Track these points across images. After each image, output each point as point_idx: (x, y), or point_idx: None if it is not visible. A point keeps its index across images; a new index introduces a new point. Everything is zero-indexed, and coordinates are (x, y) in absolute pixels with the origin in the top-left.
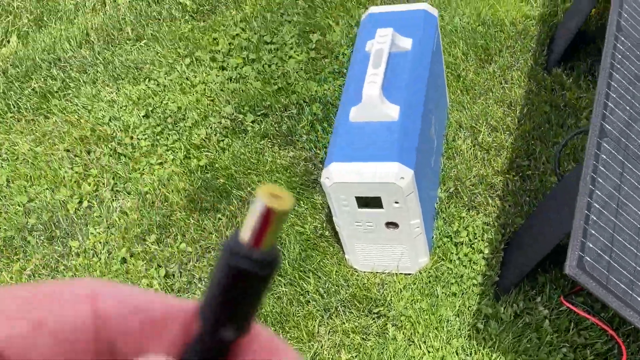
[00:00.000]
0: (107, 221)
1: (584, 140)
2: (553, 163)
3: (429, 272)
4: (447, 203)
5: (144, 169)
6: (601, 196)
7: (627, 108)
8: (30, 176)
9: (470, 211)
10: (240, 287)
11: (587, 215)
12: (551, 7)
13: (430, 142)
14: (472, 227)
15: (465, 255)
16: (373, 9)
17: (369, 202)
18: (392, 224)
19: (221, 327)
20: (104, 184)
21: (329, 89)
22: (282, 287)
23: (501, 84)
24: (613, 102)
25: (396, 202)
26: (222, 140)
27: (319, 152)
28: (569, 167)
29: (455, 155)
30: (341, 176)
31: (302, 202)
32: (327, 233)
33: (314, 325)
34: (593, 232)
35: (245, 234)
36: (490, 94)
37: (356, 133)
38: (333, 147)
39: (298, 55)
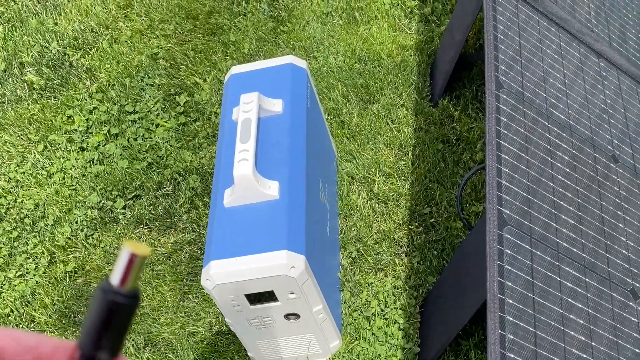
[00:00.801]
0: None
1: (483, 175)
2: (456, 206)
3: (343, 357)
4: (351, 270)
5: (2, 287)
6: (512, 256)
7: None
8: None
9: (378, 274)
10: (112, 317)
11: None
12: (426, 33)
13: (322, 208)
14: (382, 294)
15: (380, 328)
16: (235, 69)
17: (261, 297)
18: (292, 315)
19: (97, 351)
20: None
21: (205, 156)
22: None
23: (388, 124)
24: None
25: (291, 293)
26: (91, 236)
27: (203, 232)
28: (473, 208)
29: (352, 212)
30: (224, 276)
31: (191, 296)
32: (224, 328)
33: None
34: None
35: (114, 277)
36: (379, 137)
37: (234, 220)
38: (210, 241)
39: (166, 122)
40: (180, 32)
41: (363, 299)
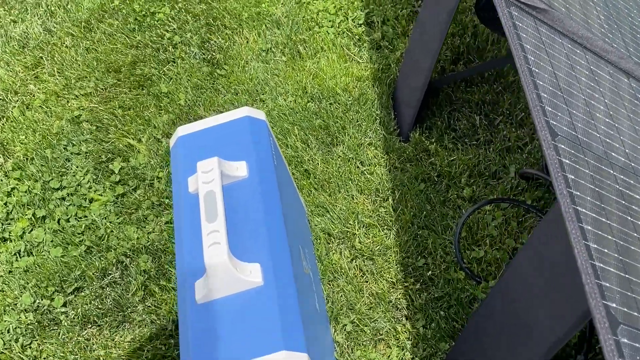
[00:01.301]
0: None
1: (479, 215)
2: (454, 254)
3: None
4: (348, 346)
5: None
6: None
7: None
8: None
9: (378, 346)
10: None
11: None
12: (380, 60)
13: (308, 281)
14: None
15: None
16: (182, 130)
17: None
18: None
19: None
20: None
21: (153, 230)
22: None
23: (358, 167)
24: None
25: None
26: (29, 346)
27: (164, 323)
28: (473, 254)
29: (336, 275)
30: None
31: None
32: None
33: None
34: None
35: None
36: (350, 183)
37: (212, 319)
38: (186, 350)
39: (101, 196)
40: (102, 89)
41: None
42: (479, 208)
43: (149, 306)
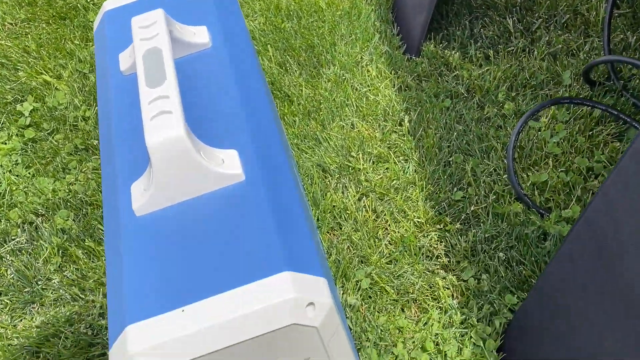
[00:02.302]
0: None
1: (532, 132)
2: (505, 182)
3: None
4: (366, 310)
5: None
6: None
7: None
8: None
9: (410, 309)
10: None
11: None
12: None
13: (307, 208)
14: (429, 341)
15: None
16: (109, 4)
17: None
18: None
19: None
20: None
21: (78, 180)
22: None
23: (357, 89)
24: None
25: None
26: None
27: (92, 298)
28: (531, 178)
29: (339, 220)
30: (162, 355)
31: None
32: None
33: None
34: None
35: None
36: (347, 109)
37: (161, 238)
38: (119, 289)
39: (4, 144)
40: (12, 24)
41: (401, 357)
42: (542, 109)
43: (69, 277)
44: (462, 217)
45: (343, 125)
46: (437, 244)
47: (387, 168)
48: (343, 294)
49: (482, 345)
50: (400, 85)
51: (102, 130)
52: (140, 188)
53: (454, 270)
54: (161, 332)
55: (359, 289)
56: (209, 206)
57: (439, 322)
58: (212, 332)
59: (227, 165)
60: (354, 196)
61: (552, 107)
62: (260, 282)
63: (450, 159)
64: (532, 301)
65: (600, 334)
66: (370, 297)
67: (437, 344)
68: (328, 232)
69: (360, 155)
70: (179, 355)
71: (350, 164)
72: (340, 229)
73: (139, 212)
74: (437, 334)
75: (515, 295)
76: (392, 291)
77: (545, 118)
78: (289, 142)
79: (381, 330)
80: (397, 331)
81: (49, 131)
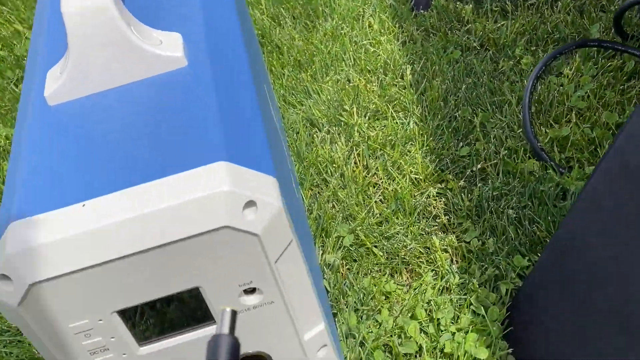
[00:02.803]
0: None
1: (553, 85)
2: (519, 138)
3: None
4: (349, 271)
5: None
6: None
7: None
8: None
9: (400, 274)
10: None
11: None
12: None
13: (277, 138)
14: (419, 308)
15: None
16: None
17: (174, 318)
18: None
19: None
20: None
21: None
22: None
23: (355, 42)
24: None
25: (250, 289)
26: None
27: None
28: (550, 133)
29: (324, 175)
30: (43, 261)
31: None
32: None
33: None
34: None
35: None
36: (344, 64)
37: (74, 130)
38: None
39: None
40: None
41: (385, 324)
42: (566, 51)
43: None
44: (467, 174)
45: (338, 79)
46: (436, 203)
47: (385, 124)
48: (322, 253)
49: (483, 313)
50: (405, 39)
51: (35, 28)
52: (57, 72)
53: (454, 231)
54: (49, 231)
55: (340, 247)
56: (139, 94)
57: (434, 288)
58: (113, 233)
59: (166, 47)
60: (343, 150)
61: (578, 59)
62: (185, 173)
63: (457, 113)
64: (545, 262)
65: (628, 285)
66: (355, 260)
67: (430, 312)
68: (311, 189)
69: (355, 109)
70: (67, 261)
71: (343, 118)
72: (327, 185)
73: (52, 100)
74: (430, 301)
75: (527, 258)
76: (380, 254)
77: (569, 69)
78: (275, 94)
79: (363, 294)
80: (383, 297)
81: (13, 80)
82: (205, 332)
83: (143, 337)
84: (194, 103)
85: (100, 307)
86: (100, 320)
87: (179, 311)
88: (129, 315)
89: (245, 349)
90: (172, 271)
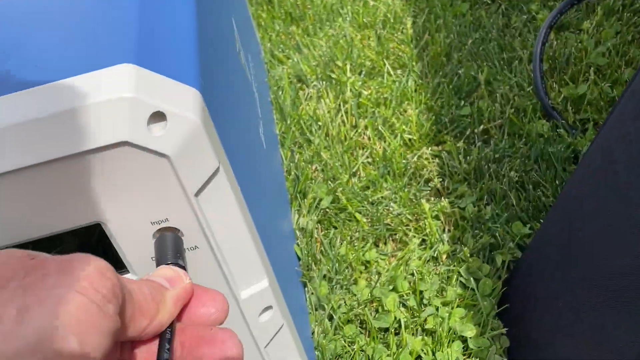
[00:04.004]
0: None
1: (569, 41)
2: (529, 97)
3: None
4: (324, 237)
5: None
6: None
7: None
8: None
9: (384, 243)
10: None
11: None
12: None
13: (245, 85)
14: (401, 279)
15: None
16: None
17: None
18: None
19: None
20: None
21: None
22: None
23: None
24: None
25: (165, 224)
26: None
27: None
28: (565, 91)
29: (307, 132)
30: None
31: None
32: None
33: None
34: None
35: None
36: (340, 19)
37: None
38: None
39: None
40: None
41: (361, 295)
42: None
43: None
44: (467, 135)
45: (332, 34)
46: (429, 165)
47: (380, 82)
48: (297, 217)
49: (474, 286)
50: None
51: None
52: None
53: (448, 195)
54: None
55: (316, 208)
56: None
57: (420, 258)
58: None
59: None
60: (330, 107)
61: (600, 12)
62: (82, 76)
63: (460, 70)
64: (546, 230)
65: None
66: (335, 227)
67: (414, 284)
68: (293, 144)
69: (348, 65)
70: None
71: (334, 75)
72: (309, 145)
73: None
74: (413, 273)
75: (528, 226)
76: (364, 220)
77: (589, 23)
78: (266, 52)
79: (338, 262)
80: (363, 267)
81: None
82: None
83: None
84: (113, 8)
85: None
86: None
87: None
88: None
89: None
90: (65, 200)
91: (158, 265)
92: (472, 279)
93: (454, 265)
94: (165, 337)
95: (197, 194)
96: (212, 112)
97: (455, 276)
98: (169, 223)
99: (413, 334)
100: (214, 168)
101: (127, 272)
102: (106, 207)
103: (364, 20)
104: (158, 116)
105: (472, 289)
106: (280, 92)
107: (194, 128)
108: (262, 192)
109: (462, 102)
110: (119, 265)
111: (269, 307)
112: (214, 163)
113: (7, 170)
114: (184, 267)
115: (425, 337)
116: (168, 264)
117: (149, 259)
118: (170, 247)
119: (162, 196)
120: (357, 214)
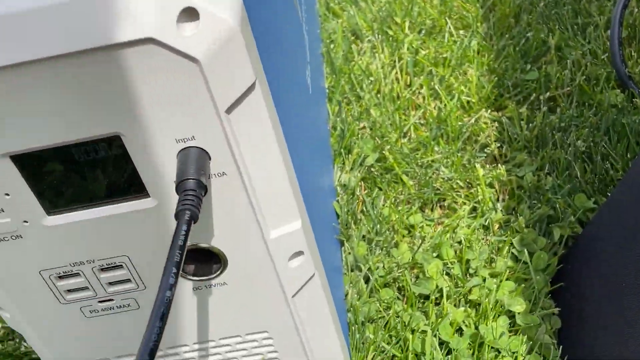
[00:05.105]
0: None
1: None
2: (603, 65)
3: None
4: (367, 196)
5: None
6: None
7: None
8: None
9: (431, 209)
10: None
11: None
12: None
13: (296, 24)
14: (445, 247)
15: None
16: None
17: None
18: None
19: None
20: None
21: None
22: None
23: None
24: None
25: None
26: None
27: None
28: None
29: (358, 88)
30: None
31: None
32: None
33: None
34: None
35: None
36: None
37: None
38: None
39: None
40: None
41: (402, 258)
42: None
43: None
44: (531, 101)
45: None
46: (487, 130)
47: (440, 41)
48: (340, 174)
49: (527, 259)
50: None
51: None
52: None
53: (507, 162)
54: None
55: (360, 165)
56: None
57: (469, 227)
58: None
59: None
60: (385, 61)
61: None
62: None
63: (529, 34)
64: (618, 199)
65: None
66: (379, 188)
67: (460, 253)
68: (343, 99)
69: (407, 23)
70: None
71: (390, 32)
72: (358, 101)
73: None
74: (461, 241)
75: (593, 200)
76: (411, 183)
77: None
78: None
79: (380, 223)
80: (406, 231)
81: None
82: (134, 206)
83: (51, 204)
84: None
85: None
86: None
87: (100, 171)
88: (28, 168)
89: (194, 239)
90: (83, 102)
91: (178, 180)
92: (525, 251)
93: (507, 236)
94: (172, 261)
95: (228, 111)
96: (253, 24)
97: (507, 247)
98: (195, 142)
99: (455, 304)
100: (250, 82)
101: (147, 196)
102: (127, 116)
103: None
104: (190, 13)
105: (525, 262)
106: (332, 46)
107: (230, 31)
108: (303, 135)
109: (529, 67)
110: (137, 189)
111: (299, 253)
112: (250, 76)
113: (23, 60)
114: (205, 187)
115: (469, 309)
116: (189, 179)
117: (171, 182)
118: (194, 162)
119: (189, 109)
120: (403, 176)
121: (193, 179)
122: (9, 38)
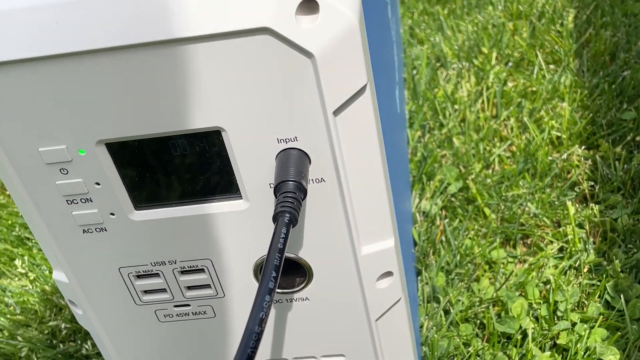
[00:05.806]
0: None
1: None
2: None
3: None
4: (447, 222)
5: None
6: None
7: None
8: None
9: (509, 247)
10: None
11: None
12: None
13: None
14: (531, 286)
15: None
16: None
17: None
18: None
19: None
20: None
21: None
22: None
23: None
24: None
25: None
26: None
27: None
28: None
29: (444, 116)
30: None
31: None
32: None
33: None
34: None
35: None
36: (490, 7)
37: None
38: None
39: None
40: None
41: (485, 294)
42: None
43: None
44: (627, 141)
45: (479, 21)
46: (578, 168)
47: (528, 77)
48: (419, 200)
49: (623, 306)
50: None
51: None
52: None
53: (598, 204)
54: None
55: (442, 193)
56: None
57: (556, 267)
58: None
59: None
60: (471, 90)
61: None
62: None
63: (626, 72)
64: None
65: None
66: (460, 220)
67: (546, 294)
68: (419, 129)
69: (494, 53)
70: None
71: (476, 62)
72: (441, 129)
73: None
74: (547, 281)
75: None
76: (493, 216)
77: None
78: (402, 27)
79: (460, 255)
80: (487, 265)
81: None
82: (225, 207)
83: (140, 198)
84: None
85: (80, 129)
86: (82, 150)
87: (194, 167)
88: (122, 159)
89: None
90: (187, 92)
91: (277, 182)
92: (620, 297)
93: (599, 280)
94: (272, 264)
95: (336, 113)
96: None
97: (598, 292)
98: (297, 144)
99: (541, 347)
100: (362, 83)
101: (240, 197)
102: (231, 109)
103: (519, 8)
104: (309, 6)
105: (619, 310)
106: (415, 72)
107: (350, 28)
108: (390, 153)
109: (625, 106)
110: (230, 189)
111: (389, 273)
112: (362, 77)
113: (132, 43)
114: (305, 191)
115: (556, 354)
116: (289, 181)
117: (266, 184)
118: (294, 164)
119: (296, 106)
120: (486, 209)
121: (294, 181)
122: (127, 19)
